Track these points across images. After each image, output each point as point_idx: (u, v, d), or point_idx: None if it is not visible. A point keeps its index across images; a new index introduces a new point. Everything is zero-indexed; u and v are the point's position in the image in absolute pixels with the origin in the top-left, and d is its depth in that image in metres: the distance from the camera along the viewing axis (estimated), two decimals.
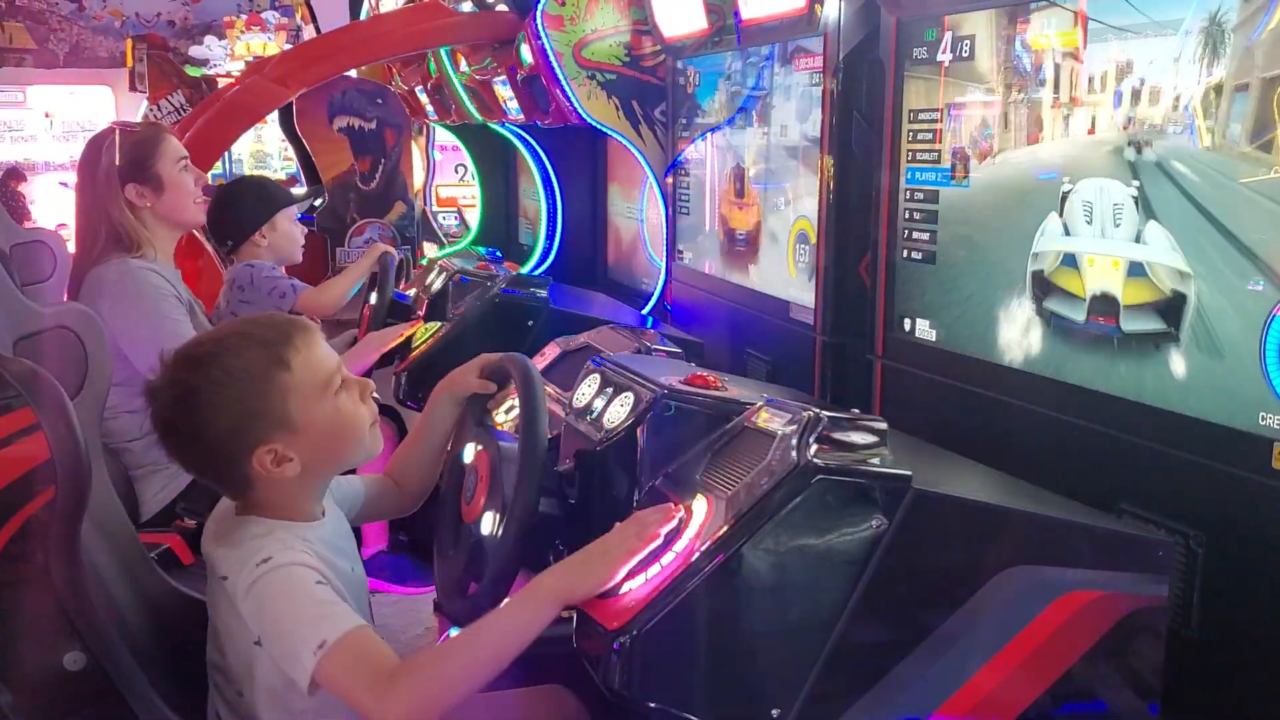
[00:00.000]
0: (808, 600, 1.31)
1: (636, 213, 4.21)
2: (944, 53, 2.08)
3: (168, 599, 1.69)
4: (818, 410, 1.42)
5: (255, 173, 8.69)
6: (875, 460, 1.35)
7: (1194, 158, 1.57)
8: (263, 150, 9.71)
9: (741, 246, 2.98)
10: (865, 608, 1.31)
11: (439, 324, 3.02)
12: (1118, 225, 1.71)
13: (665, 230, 3.51)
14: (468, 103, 4.66)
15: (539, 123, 4.01)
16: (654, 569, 1.34)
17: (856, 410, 1.46)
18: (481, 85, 4.35)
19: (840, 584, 1.31)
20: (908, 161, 2.20)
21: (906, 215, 2.21)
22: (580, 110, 3.52)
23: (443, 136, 6.43)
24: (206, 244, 4.10)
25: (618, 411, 1.71)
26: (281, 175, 8.68)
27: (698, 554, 1.31)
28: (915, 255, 2.19)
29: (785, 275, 2.72)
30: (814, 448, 1.35)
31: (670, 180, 3.45)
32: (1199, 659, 1.58)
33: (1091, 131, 1.76)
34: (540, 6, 3.44)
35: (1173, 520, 1.59)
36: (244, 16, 10.21)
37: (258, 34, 9.76)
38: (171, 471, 2.52)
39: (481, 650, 1.36)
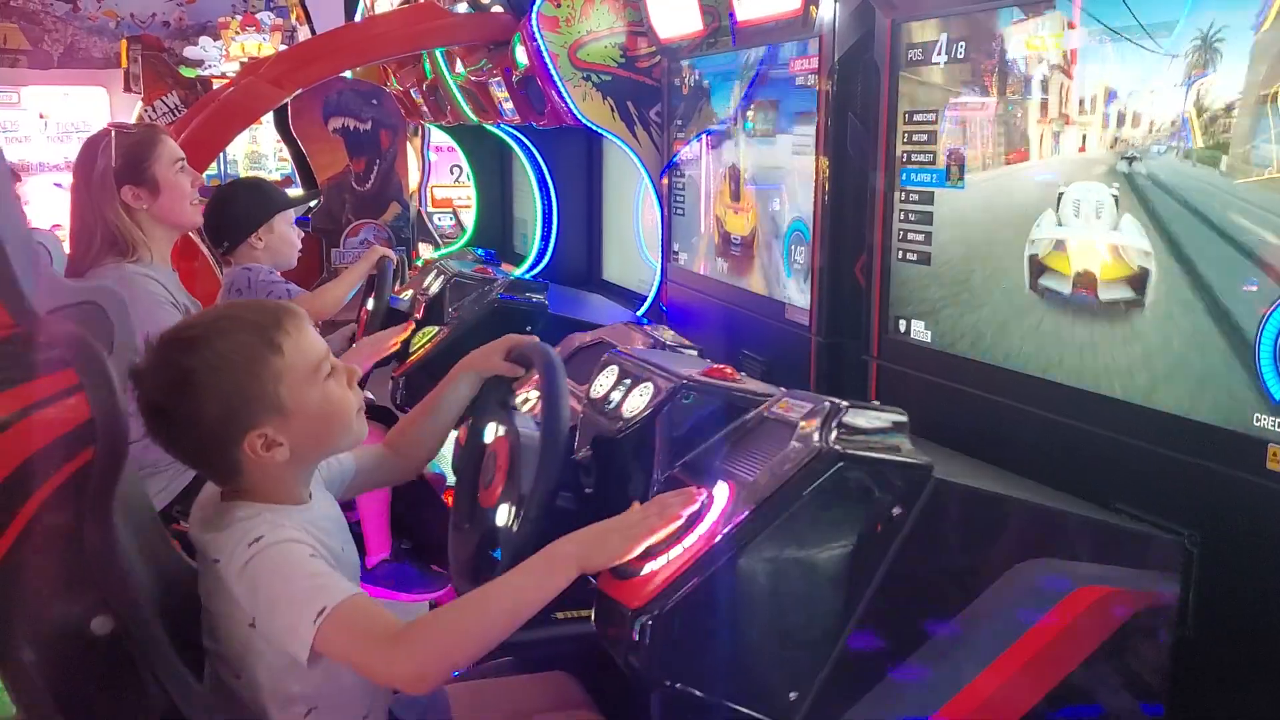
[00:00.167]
0: (826, 585, 1.32)
1: (631, 214, 4.21)
2: (939, 55, 2.08)
3: (184, 574, 1.69)
4: (838, 401, 1.43)
5: (251, 174, 8.68)
6: (896, 449, 1.36)
7: (1186, 160, 1.58)
8: (258, 151, 9.70)
9: (736, 248, 2.98)
10: (884, 594, 1.32)
11: (436, 328, 3.02)
12: (1099, 218, 1.75)
13: (660, 232, 3.51)
14: (463, 104, 4.65)
15: (534, 124, 4.01)
16: (676, 550, 1.35)
17: (877, 402, 1.47)
18: (477, 86, 4.35)
19: (860, 570, 1.32)
20: (902, 163, 2.21)
21: (901, 216, 2.22)
22: (575, 111, 3.52)
23: (438, 137, 6.43)
24: (201, 245, 4.10)
25: (637, 401, 1.72)
26: (276, 176, 8.67)
27: (720, 537, 1.32)
28: (910, 256, 2.20)
29: (780, 276, 2.72)
30: (835, 434, 1.35)
31: (665, 182, 3.45)
32: (1194, 658, 1.58)
33: (1082, 149, 1.77)
34: (536, 8, 3.44)
35: (1167, 521, 1.59)
36: (239, 17, 10.19)
37: (253, 35, 9.75)
38: (168, 474, 2.52)
39: (493, 610, 1.36)
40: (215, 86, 7.40)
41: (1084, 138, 1.77)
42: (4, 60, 10.83)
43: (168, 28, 10.97)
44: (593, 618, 1.40)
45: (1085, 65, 1.76)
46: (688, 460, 1.58)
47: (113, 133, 2.66)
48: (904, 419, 1.42)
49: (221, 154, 7.78)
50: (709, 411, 1.64)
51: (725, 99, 2.99)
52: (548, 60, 3.46)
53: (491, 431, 1.70)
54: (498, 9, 3.98)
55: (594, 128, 3.58)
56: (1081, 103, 1.77)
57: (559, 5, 3.44)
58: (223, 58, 9.70)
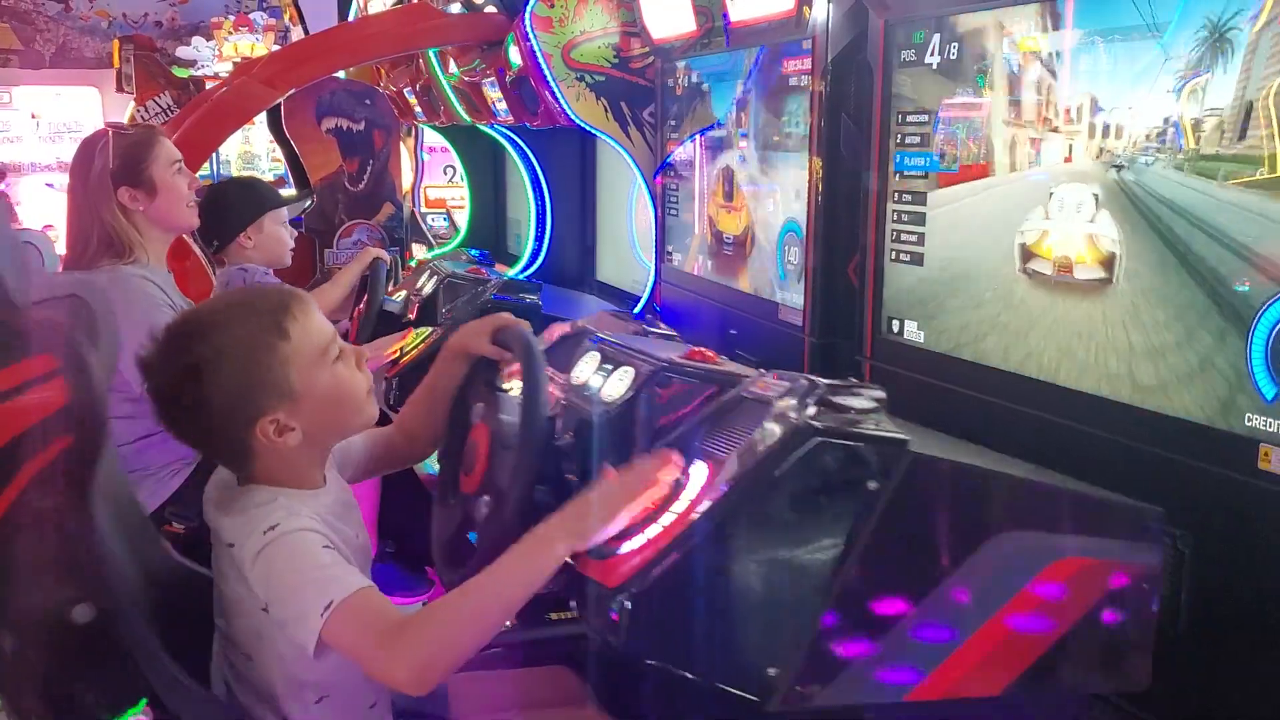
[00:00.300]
0: (803, 561, 1.31)
1: (625, 214, 4.21)
2: (931, 55, 2.09)
3: (171, 570, 1.69)
4: (814, 379, 1.43)
5: (244, 174, 8.66)
6: (873, 424, 1.36)
7: (1179, 162, 1.58)
8: (250, 151, 9.68)
9: (730, 248, 2.98)
10: (861, 569, 1.31)
11: (429, 329, 3.02)
12: (1079, 212, 1.79)
13: (654, 232, 3.52)
14: (456, 104, 4.65)
15: (528, 124, 4.01)
16: (653, 528, 1.35)
17: (854, 379, 1.47)
18: (470, 87, 4.35)
19: (837, 545, 1.31)
20: (896, 164, 2.21)
21: (895, 217, 2.22)
22: (569, 112, 3.52)
23: (431, 138, 6.42)
24: (194, 245, 4.09)
25: (617, 385, 1.72)
26: (270, 177, 8.65)
27: (697, 514, 1.32)
28: (904, 257, 2.20)
29: (774, 277, 2.72)
30: (812, 410, 1.36)
31: (659, 182, 3.45)
32: (1187, 657, 1.59)
33: (1072, 152, 1.78)
34: (529, 8, 3.44)
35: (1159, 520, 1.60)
36: (232, 17, 10.18)
37: (246, 35, 9.73)
38: (161, 476, 2.51)
39: (486, 601, 1.36)
40: (208, 87, 7.37)
41: (1076, 137, 1.78)
42: None
43: (160, 28, 10.95)
44: (573, 599, 1.41)
45: (1077, 66, 1.77)
46: (668, 441, 1.58)
47: (110, 134, 2.65)
48: (881, 395, 1.42)
49: (214, 154, 7.77)
50: (689, 393, 1.64)
51: (718, 99, 3.00)
52: (541, 61, 3.46)
53: (477, 413, 1.70)
54: (491, 9, 3.98)
55: (587, 128, 3.58)
56: (1073, 104, 1.78)
57: (552, 6, 3.44)
58: (216, 58, 9.68)
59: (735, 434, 1.45)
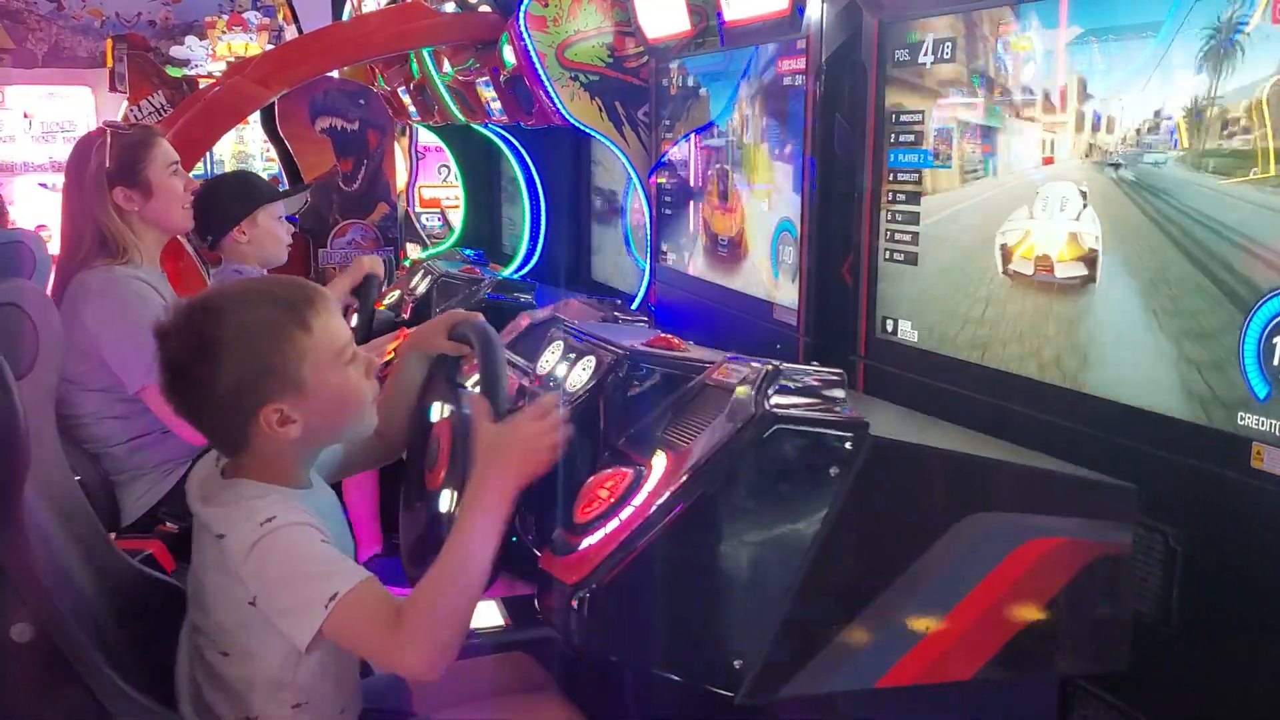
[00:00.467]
0: (767, 550, 1.30)
1: (620, 214, 4.21)
2: (925, 55, 2.09)
3: (131, 580, 1.68)
4: (777, 364, 1.42)
5: (236, 170, 8.63)
6: (834, 409, 1.35)
7: (1173, 161, 1.59)
8: (245, 151, 9.67)
9: (724, 247, 2.98)
10: (825, 557, 1.30)
11: None
12: (1063, 210, 1.79)
13: (649, 231, 3.52)
14: (450, 104, 4.65)
15: (522, 124, 4.01)
16: (612, 523, 1.34)
17: (816, 363, 1.46)
18: (464, 86, 4.34)
19: (799, 533, 1.30)
20: (890, 164, 2.21)
21: (889, 216, 2.22)
22: (563, 111, 3.51)
23: (426, 137, 6.42)
24: (187, 245, 4.08)
25: (580, 376, 1.72)
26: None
27: (655, 507, 1.31)
28: (897, 256, 2.20)
29: (768, 276, 2.72)
30: (773, 398, 1.34)
31: (653, 182, 3.45)
32: (1179, 656, 1.59)
33: (1063, 154, 1.78)
34: (523, 7, 3.44)
35: (1152, 518, 1.60)
36: (225, 17, 10.16)
37: (239, 34, 9.72)
38: (153, 477, 2.51)
39: (466, 568, 1.39)
40: (202, 86, 7.36)
41: (1067, 135, 1.78)
42: None
43: (154, 27, 10.93)
44: (535, 596, 1.40)
45: (1071, 65, 1.77)
46: (632, 433, 1.57)
47: (107, 133, 2.64)
48: (841, 378, 1.40)
49: (208, 154, 7.75)
50: (652, 381, 1.63)
51: (713, 99, 3.00)
52: (535, 60, 3.46)
53: (437, 411, 1.70)
54: (485, 8, 3.97)
55: (582, 128, 3.58)
56: (1067, 103, 1.78)
57: (546, 5, 3.43)
58: (209, 57, 9.66)
59: (696, 422, 1.44)
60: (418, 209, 6.69)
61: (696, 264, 3.18)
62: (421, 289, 3.52)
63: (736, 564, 1.30)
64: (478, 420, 1.49)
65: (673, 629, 1.29)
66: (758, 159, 2.77)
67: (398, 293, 3.63)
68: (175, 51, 9.82)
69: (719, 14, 2.78)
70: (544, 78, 3.47)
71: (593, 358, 1.72)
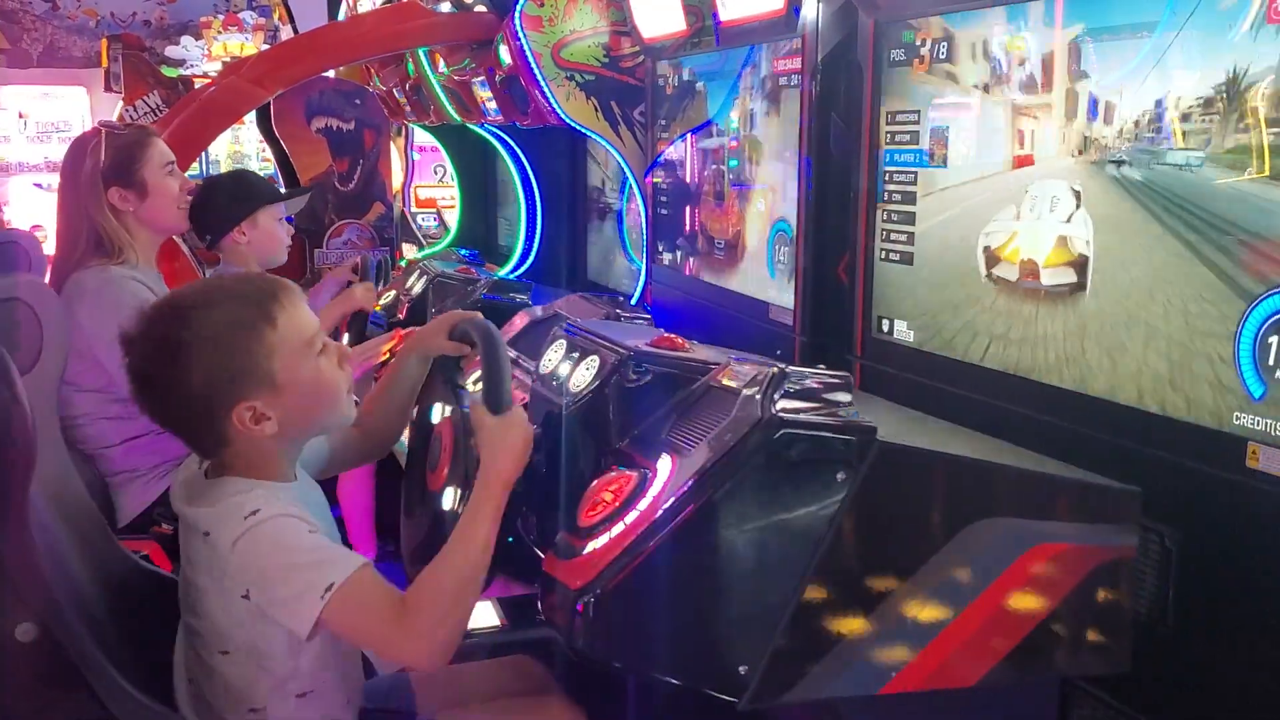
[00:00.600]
0: (773, 555, 1.29)
1: (616, 214, 4.21)
2: (921, 55, 2.09)
3: (133, 576, 1.67)
4: (783, 366, 1.41)
5: (237, 169, 8.61)
6: (840, 414, 1.34)
7: (1166, 161, 1.59)
8: (240, 151, 9.65)
9: (720, 247, 2.98)
10: (832, 562, 1.30)
11: (418, 329, 3.01)
12: (1053, 211, 1.79)
13: (645, 231, 3.51)
14: (446, 103, 4.64)
15: (518, 123, 4.00)
16: (618, 527, 1.33)
17: (822, 366, 1.46)
18: (460, 86, 4.34)
19: (806, 538, 1.29)
20: (885, 163, 2.21)
21: (884, 216, 2.22)
22: (559, 111, 3.51)
23: (421, 137, 6.41)
24: (182, 245, 4.07)
25: (583, 375, 1.71)
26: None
27: (661, 511, 1.30)
28: (893, 256, 2.20)
29: (764, 276, 2.72)
30: (779, 402, 1.33)
31: (649, 182, 3.45)
32: (1175, 655, 1.59)
33: (1057, 153, 1.78)
34: (519, 7, 3.44)
35: (1148, 518, 1.60)
36: (221, 16, 10.15)
37: (235, 34, 9.70)
38: (149, 478, 2.50)
39: (467, 559, 1.39)
40: (197, 86, 7.35)
41: (1065, 136, 1.78)
42: None
43: (149, 27, 10.91)
44: (534, 597, 1.40)
45: (1066, 65, 1.77)
46: (635, 434, 1.56)
47: (103, 133, 2.63)
48: (848, 381, 1.40)
49: (204, 154, 7.74)
50: (656, 382, 1.62)
51: (709, 99, 3.00)
52: (531, 60, 3.45)
53: (438, 412, 1.69)
54: (481, 8, 3.97)
55: (578, 127, 3.58)
56: (1062, 103, 1.78)
57: (542, 5, 3.43)
58: (205, 57, 9.65)
59: (701, 425, 1.43)
60: (413, 209, 6.68)
61: (692, 264, 3.17)
62: (417, 289, 3.51)
63: (742, 569, 1.29)
64: (479, 416, 1.48)
65: (677, 634, 1.29)
66: (753, 159, 2.77)
67: (394, 293, 3.62)
68: (170, 51, 9.80)
69: (714, 14, 2.78)
70: (540, 77, 3.47)
71: (596, 358, 1.71)
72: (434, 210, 6.78)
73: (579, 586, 1.29)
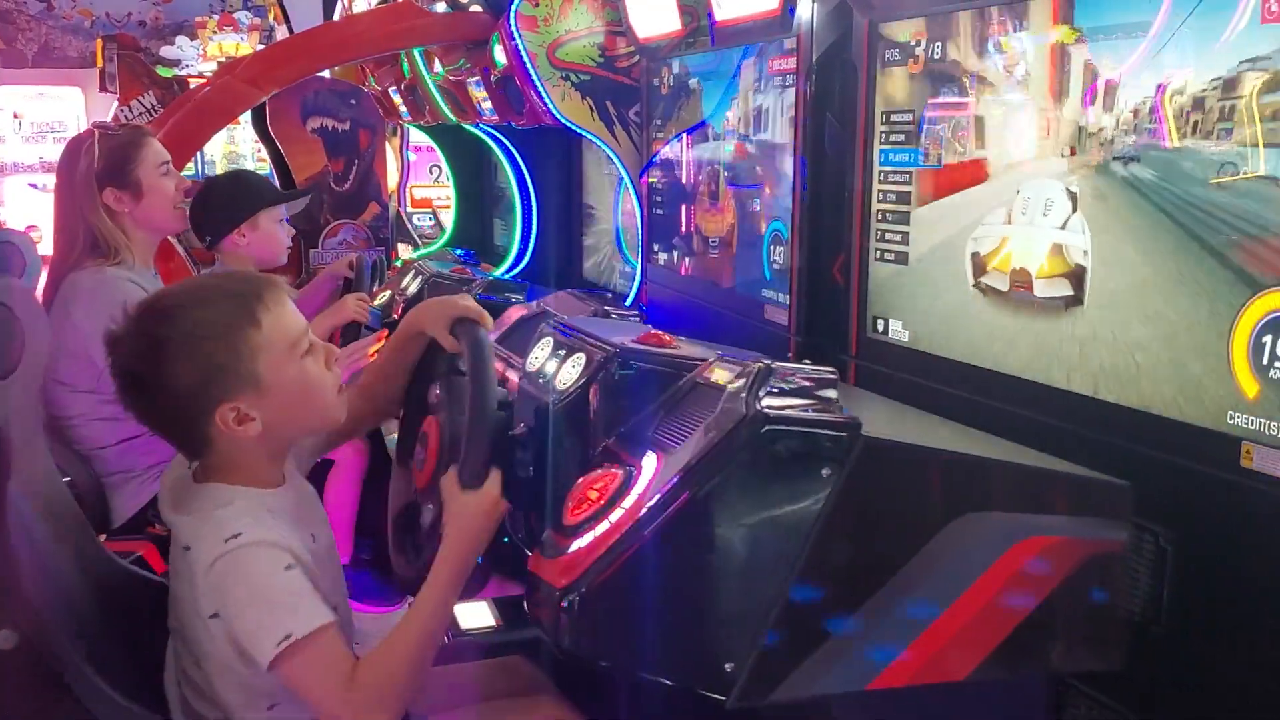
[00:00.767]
0: (759, 552, 1.29)
1: (611, 214, 4.21)
2: (916, 54, 2.09)
3: (122, 581, 1.67)
4: (769, 362, 1.41)
5: (238, 169, 8.59)
6: (826, 409, 1.34)
7: (1160, 161, 1.59)
8: (235, 151, 9.63)
9: (715, 247, 2.98)
10: (818, 557, 1.29)
11: None
12: (1046, 215, 1.77)
13: (640, 232, 3.51)
14: (441, 103, 4.64)
15: (513, 123, 4.00)
16: (602, 525, 1.33)
17: (808, 362, 1.45)
18: (455, 86, 4.34)
19: (792, 534, 1.29)
20: (880, 163, 2.21)
21: (879, 216, 2.22)
22: (554, 111, 3.51)
23: (417, 137, 6.41)
24: (178, 246, 4.07)
25: (570, 373, 1.71)
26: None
27: (646, 509, 1.30)
28: (888, 256, 2.20)
29: (759, 276, 2.72)
30: (765, 398, 1.33)
31: (645, 182, 3.45)
32: (1169, 655, 1.59)
33: (1050, 153, 1.78)
34: (514, 7, 3.44)
35: (1142, 518, 1.60)
36: (216, 17, 10.14)
37: (230, 34, 9.70)
38: (144, 479, 2.50)
39: (423, 638, 1.41)
40: (192, 86, 7.34)
41: (1058, 137, 1.78)
42: None
43: (144, 27, 10.90)
44: (525, 600, 1.40)
45: (1061, 65, 1.77)
46: (622, 431, 1.56)
47: (96, 134, 2.63)
48: (834, 377, 1.39)
49: (199, 154, 7.73)
50: (643, 379, 1.62)
51: (704, 99, 3.00)
52: (526, 60, 3.45)
53: (435, 395, 1.68)
54: (476, 8, 3.97)
55: (573, 127, 3.57)
56: (1057, 102, 1.78)
57: (537, 5, 3.43)
58: (200, 57, 9.64)
59: (687, 422, 1.43)
60: (409, 209, 6.68)
61: (688, 264, 3.17)
62: (413, 289, 3.51)
63: (728, 566, 1.29)
64: (450, 488, 1.48)
65: (663, 632, 1.28)
66: (748, 159, 2.77)
67: (389, 293, 3.62)
68: (166, 51, 9.80)
69: (710, 13, 2.78)
70: (535, 77, 3.47)
71: (582, 355, 1.71)
72: (430, 210, 6.78)
73: (564, 585, 1.28)
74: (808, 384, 1.37)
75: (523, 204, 4.81)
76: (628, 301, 3.68)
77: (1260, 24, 1.43)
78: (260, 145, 6.71)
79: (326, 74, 5.33)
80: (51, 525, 1.56)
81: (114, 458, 2.49)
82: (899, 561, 1.33)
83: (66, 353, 2.37)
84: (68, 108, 10.57)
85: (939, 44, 2.03)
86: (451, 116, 4.65)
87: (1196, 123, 1.53)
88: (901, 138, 2.15)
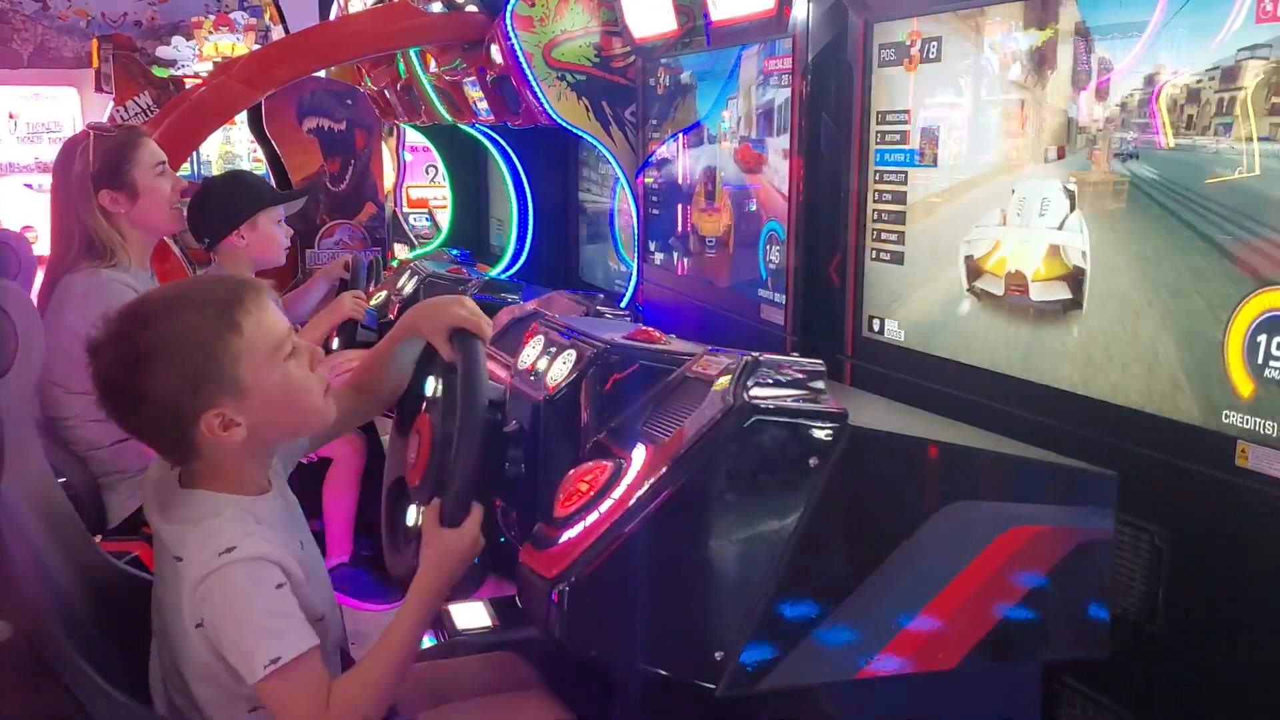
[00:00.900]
0: (746, 541, 1.30)
1: (607, 214, 4.21)
2: (911, 54, 2.09)
3: (114, 580, 1.68)
4: (756, 355, 1.41)
5: (236, 169, 8.59)
6: (812, 400, 1.35)
7: (1154, 160, 1.59)
8: (232, 151, 9.63)
9: (712, 247, 2.98)
10: (806, 547, 1.30)
11: None
12: (1043, 215, 1.77)
13: (636, 231, 3.51)
14: (437, 103, 4.64)
15: (509, 123, 4.00)
16: (592, 516, 1.33)
17: (796, 354, 1.46)
18: (451, 86, 4.34)
19: (780, 524, 1.30)
20: (876, 163, 2.21)
21: (875, 216, 2.22)
22: (550, 111, 3.51)
23: (413, 137, 6.41)
24: (173, 246, 4.06)
25: (560, 369, 1.71)
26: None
27: (634, 499, 1.30)
28: (884, 256, 2.21)
29: (755, 276, 2.72)
30: (752, 389, 1.34)
31: (641, 181, 3.45)
32: (1164, 654, 1.59)
33: (1046, 153, 1.78)
34: (510, 7, 3.43)
35: (1137, 517, 1.60)
36: (212, 17, 10.13)
37: (226, 35, 9.69)
38: (138, 479, 2.49)
39: (396, 670, 1.46)
40: (188, 87, 7.34)
41: (1054, 136, 1.78)
42: None
43: (140, 27, 10.89)
44: (516, 592, 1.40)
45: (1057, 65, 1.77)
46: (613, 426, 1.57)
47: (91, 136, 2.62)
48: (821, 369, 1.40)
49: (195, 154, 7.73)
50: (634, 374, 1.63)
51: (700, 99, 3.00)
52: (522, 60, 3.45)
53: (430, 386, 1.68)
54: (472, 8, 3.96)
55: (569, 127, 3.57)
56: (1053, 102, 1.78)
57: (533, 5, 3.43)
58: (196, 58, 9.63)
59: (676, 415, 1.43)
60: (405, 209, 6.67)
61: (684, 264, 3.18)
62: (409, 289, 3.51)
63: (716, 555, 1.29)
64: (430, 524, 1.50)
65: (653, 621, 1.29)
66: (744, 159, 2.77)
67: (385, 293, 3.62)
68: (161, 52, 9.79)
69: (705, 14, 2.78)
70: (531, 77, 3.47)
71: (573, 351, 1.72)
72: (426, 210, 6.77)
73: (554, 575, 1.29)
74: (795, 376, 1.38)
75: (519, 204, 4.81)
76: (623, 302, 3.68)
77: (1255, 23, 1.43)
78: (256, 145, 6.71)
79: (322, 74, 5.33)
80: (44, 523, 1.57)
81: (109, 459, 2.49)
82: (887, 550, 1.34)
83: (61, 354, 2.37)
84: (63, 108, 10.57)
85: (934, 44, 2.04)
86: (447, 116, 4.65)
87: (1194, 120, 1.53)
88: (897, 138, 2.15)
